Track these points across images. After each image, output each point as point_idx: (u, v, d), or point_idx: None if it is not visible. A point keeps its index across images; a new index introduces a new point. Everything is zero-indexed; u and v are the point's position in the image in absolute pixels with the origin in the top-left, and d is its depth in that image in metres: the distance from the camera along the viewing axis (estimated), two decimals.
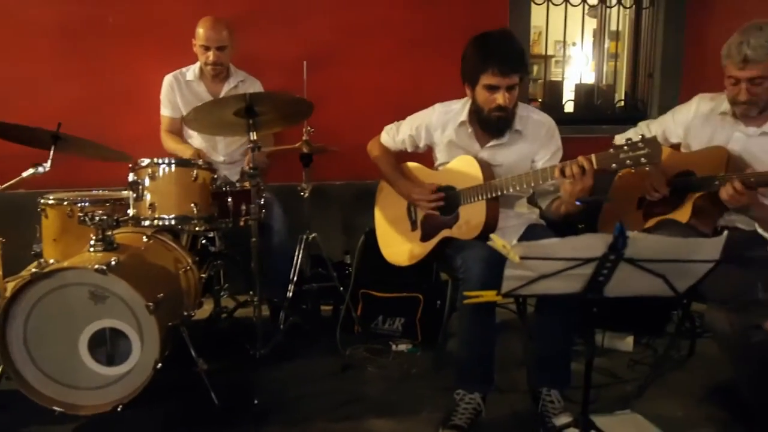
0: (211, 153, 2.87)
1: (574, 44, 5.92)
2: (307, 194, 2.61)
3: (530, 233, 2.14)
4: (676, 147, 2.27)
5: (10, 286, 2.34)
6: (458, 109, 2.18)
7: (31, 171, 2.19)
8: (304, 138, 2.53)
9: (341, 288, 2.67)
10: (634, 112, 3.87)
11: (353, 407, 2.14)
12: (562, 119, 3.82)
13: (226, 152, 2.89)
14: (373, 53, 3.36)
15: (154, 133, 2.89)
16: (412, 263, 2.26)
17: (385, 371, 2.42)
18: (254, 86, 2.91)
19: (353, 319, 2.70)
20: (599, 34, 4.30)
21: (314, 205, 2.80)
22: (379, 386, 2.31)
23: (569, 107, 4.03)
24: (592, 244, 1.37)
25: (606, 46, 4.30)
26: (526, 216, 2.24)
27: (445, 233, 2.14)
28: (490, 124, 2.07)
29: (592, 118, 3.84)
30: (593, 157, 1.76)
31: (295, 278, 2.56)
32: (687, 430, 1.99)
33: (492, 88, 1.98)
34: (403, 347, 2.60)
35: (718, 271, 1.77)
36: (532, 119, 2.14)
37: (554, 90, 4.07)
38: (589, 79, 4.54)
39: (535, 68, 5.52)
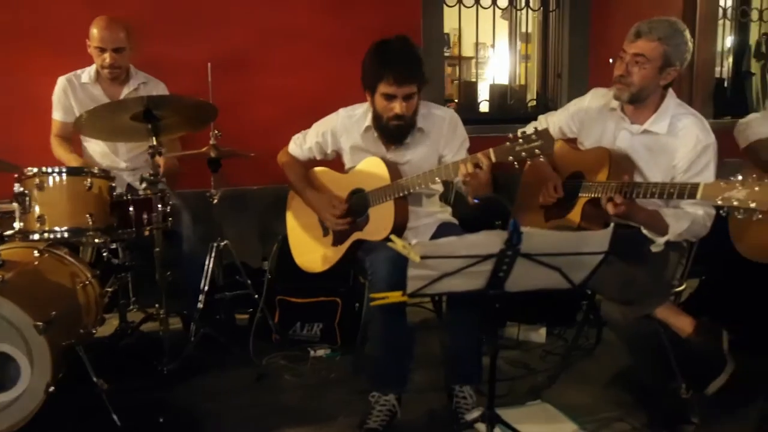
0: (113, 159, 2.71)
1: (492, 46, 6.12)
2: (216, 200, 2.51)
3: (442, 232, 2.15)
4: (573, 141, 2.30)
5: None
6: (362, 113, 2.17)
7: None
8: (211, 142, 2.44)
9: (256, 296, 2.60)
10: (546, 111, 4.00)
11: (268, 418, 2.08)
12: (477, 119, 3.95)
13: (127, 157, 2.73)
14: (286, 57, 3.29)
15: (46, 140, 2.70)
16: (325, 269, 2.23)
17: (302, 378, 2.37)
18: (158, 89, 2.76)
19: (270, 328, 2.63)
20: (511, 37, 4.44)
21: (230, 212, 2.71)
22: (296, 394, 2.26)
23: (484, 107, 4.12)
24: (489, 241, 1.40)
25: (518, 47, 4.44)
26: (437, 215, 2.26)
27: (356, 236, 2.13)
28: (389, 132, 2.08)
29: (506, 117, 3.95)
30: (491, 151, 1.78)
31: (206, 287, 2.46)
32: (594, 416, 2.06)
33: (389, 97, 1.98)
34: (321, 352, 2.56)
35: (609, 267, 1.86)
36: (434, 115, 2.16)
37: (469, 90, 4.16)
38: (505, 78, 4.68)
39: (456, 69, 5.64)
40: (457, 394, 2.02)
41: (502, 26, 4.45)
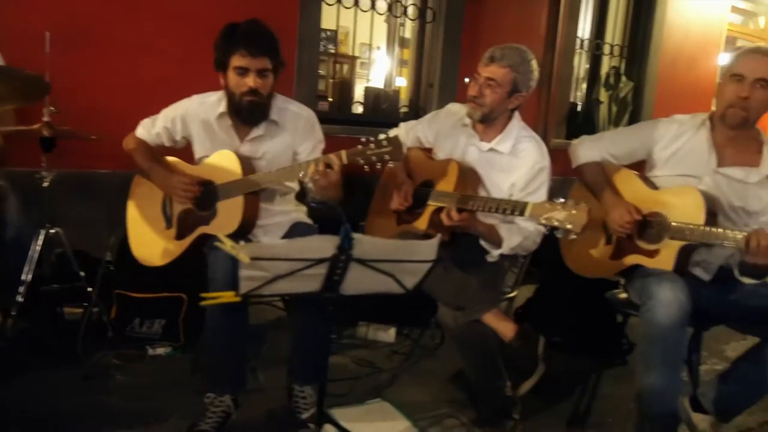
0: None
1: (378, 48, 6.20)
2: (47, 183, 2.28)
3: (294, 231, 2.14)
4: (429, 150, 2.39)
5: None
6: (216, 100, 2.09)
7: None
8: (44, 119, 2.21)
9: (90, 289, 2.40)
10: (416, 118, 4.14)
11: (89, 423, 1.93)
12: (349, 119, 3.99)
13: None
14: (140, 35, 3.03)
15: None
16: (165, 263, 2.12)
17: (135, 378, 2.23)
18: None
19: (104, 324, 2.44)
20: (389, 41, 4.54)
21: (70, 197, 2.48)
22: (125, 395, 2.12)
23: (359, 109, 4.17)
24: (322, 246, 1.40)
25: (395, 52, 4.55)
26: (291, 213, 2.23)
27: (201, 230, 2.04)
28: (243, 110, 2.01)
29: (378, 121, 4.01)
30: (343, 153, 1.80)
31: (29, 278, 2.22)
32: (428, 412, 2.16)
33: (242, 71, 1.93)
34: (161, 351, 2.43)
35: (446, 273, 1.97)
36: (291, 111, 2.13)
37: (345, 90, 4.17)
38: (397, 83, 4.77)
39: (345, 68, 5.66)
40: (297, 394, 2.02)
41: (384, 29, 4.54)
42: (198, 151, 2.16)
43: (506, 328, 1.90)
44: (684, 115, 2.08)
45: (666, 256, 1.88)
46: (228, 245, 1.37)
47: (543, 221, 1.80)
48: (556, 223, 1.77)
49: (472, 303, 1.91)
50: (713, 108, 2.03)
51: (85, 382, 2.17)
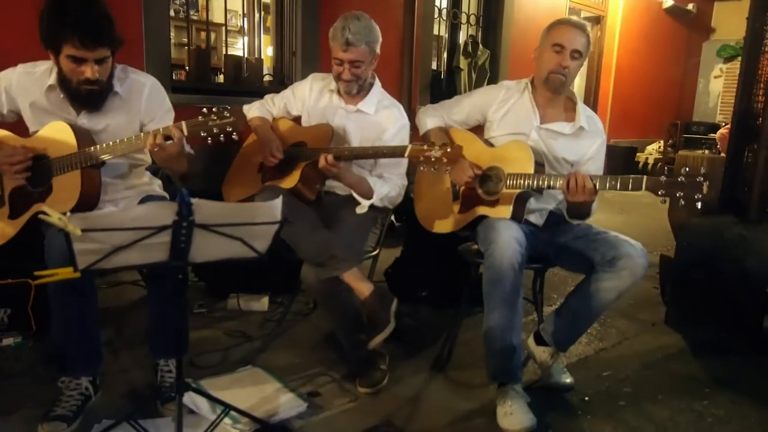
0: None
1: (244, 15, 5.99)
2: None
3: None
4: (297, 120, 2.49)
5: None
6: (45, 71, 1.95)
7: None
8: None
9: None
10: (281, 88, 4.08)
11: None
12: (209, 89, 3.86)
13: None
14: None
15: None
16: (0, 244, 1.96)
17: None
18: None
19: None
20: (251, 10, 4.42)
21: None
22: None
23: (221, 78, 4.05)
24: (160, 213, 1.38)
25: (257, 19, 4.44)
26: (144, 187, 2.16)
27: (37, 208, 1.91)
28: (80, 97, 1.91)
29: (240, 90, 3.93)
30: (183, 123, 1.77)
31: None
32: (300, 373, 2.23)
33: (78, 60, 1.80)
34: (10, 341, 2.27)
35: (310, 232, 2.06)
36: (133, 80, 2.04)
37: (202, 58, 4.00)
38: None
39: (213, 37, 5.40)
40: (162, 368, 2.01)
41: None
42: (31, 125, 2.01)
43: (363, 287, 2.03)
44: (511, 81, 2.35)
45: (504, 205, 2.09)
46: (54, 217, 1.31)
47: (422, 158, 1.98)
48: (433, 159, 1.96)
49: (334, 261, 2.00)
50: None
51: None
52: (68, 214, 1.28)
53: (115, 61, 1.95)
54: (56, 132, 1.92)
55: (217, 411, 1.79)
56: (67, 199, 1.86)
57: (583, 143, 2.20)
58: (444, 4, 5.34)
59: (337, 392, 2.12)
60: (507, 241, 1.92)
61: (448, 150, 1.95)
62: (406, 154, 2.06)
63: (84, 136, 1.92)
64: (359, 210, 2.26)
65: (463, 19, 5.49)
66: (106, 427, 1.70)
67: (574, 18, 2.36)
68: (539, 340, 2.20)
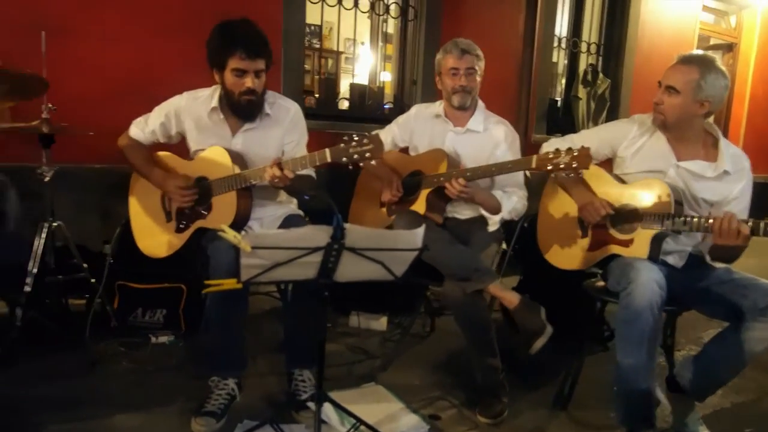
0: None
1: (363, 43, 6.30)
2: (48, 178, 2.37)
3: (287, 223, 2.26)
4: (404, 150, 2.61)
5: None
6: (207, 95, 2.21)
7: None
8: (43, 116, 2.30)
9: (93, 280, 2.49)
10: (400, 115, 4.26)
11: (100, 405, 2.04)
12: (335, 115, 4.10)
13: None
14: (130, 31, 3.14)
15: None
16: (168, 254, 2.23)
17: (140, 365, 2.34)
18: None
19: (107, 313, 2.55)
20: (374, 38, 4.63)
21: (66, 191, 2.56)
22: (131, 381, 2.23)
23: (345, 105, 4.28)
24: (316, 235, 1.52)
25: (379, 47, 4.65)
26: (284, 206, 2.36)
27: (199, 224, 2.16)
28: (241, 108, 2.14)
29: (363, 117, 4.13)
30: (327, 151, 1.93)
31: (35, 270, 2.32)
32: (420, 395, 2.29)
33: (240, 72, 2.05)
34: (164, 339, 2.54)
35: (450, 248, 2.15)
36: (279, 104, 2.27)
37: (330, 86, 4.27)
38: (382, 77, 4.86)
39: (330, 63, 5.75)
40: (296, 378, 2.15)
41: (368, 24, 4.63)
42: (192, 146, 2.27)
43: (511, 296, 2.10)
44: (643, 115, 2.25)
45: (640, 244, 2.03)
46: (230, 235, 1.49)
47: (550, 167, 2.00)
48: (563, 166, 1.97)
49: (479, 274, 2.08)
50: None
51: (93, 367, 2.28)
52: (243, 233, 1.45)
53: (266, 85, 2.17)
54: (215, 155, 2.17)
55: (347, 424, 1.90)
56: (225, 217, 2.09)
57: (728, 185, 2.08)
58: (564, 33, 5.29)
59: (458, 418, 2.15)
60: (647, 281, 1.85)
61: (576, 153, 1.94)
62: (534, 165, 2.06)
63: (238, 160, 2.15)
64: (491, 227, 2.35)
65: (583, 47, 5.39)
66: (250, 427, 1.86)
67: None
68: (673, 386, 2.10)
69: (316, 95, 4.29)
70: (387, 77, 4.98)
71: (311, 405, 1.92)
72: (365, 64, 6.19)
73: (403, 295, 2.96)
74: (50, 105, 2.30)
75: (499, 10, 4.58)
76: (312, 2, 3.87)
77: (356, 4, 4.11)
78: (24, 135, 2.41)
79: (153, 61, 3.17)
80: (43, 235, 2.34)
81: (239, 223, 2.10)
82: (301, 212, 2.39)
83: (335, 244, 1.54)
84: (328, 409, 1.98)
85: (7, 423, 1.89)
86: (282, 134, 2.25)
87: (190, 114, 2.22)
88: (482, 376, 2.20)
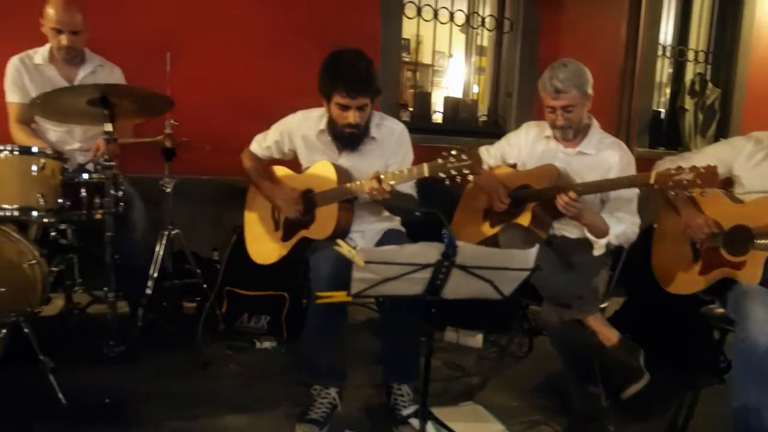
0: (67, 140, 2.70)
1: (451, 56, 6.31)
2: (170, 189, 2.55)
3: (387, 238, 2.29)
4: (513, 167, 2.54)
5: None
6: (317, 117, 2.29)
7: None
8: (166, 131, 2.48)
9: (205, 285, 2.65)
10: (495, 128, 4.22)
11: (211, 405, 2.15)
12: (430, 129, 4.12)
13: (82, 138, 2.71)
14: (242, 52, 3.34)
15: None
16: (273, 261, 2.33)
17: (247, 368, 2.45)
18: (113, 73, 2.75)
19: (218, 317, 2.69)
20: (468, 51, 4.62)
21: (181, 201, 2.74)
22: (239, 383, 2.34)
23: (438, 118, 4.29)
24: (427, 252, 1.53)
25: (473, 60, 4.63)
26: (385, 221, 2.39)
27: (302, 233, 2.24)
28: (344, 138, 2.21)
29: (457, 130, 4.13)
30: (425, 166, 1.94)
31: (156, 274, 2.50)
32: (520, 417, 2.23)
33: (343, 107, 2.11)
34: (267, 344, 2.64)
35: (553, 270, 2.08)
36: (385, 126, 2.30)
37: (424, 100, 4.30)
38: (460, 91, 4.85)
39: (418, 75, 5.80)
40: (395, 392, 2.16)
41: (460, 38, 4.63)
42: (303, 162, 2.36)
43: (610, 333, 1.98)
44: (762, 133, 2.13)
45: (752, 267, 1.89)
46: (345, 249, 1.52)
47: (672, 183, 1.89)
48: (686, 182, 1.86)
49: (580, 303, 1.99)
50: None
51: (205, 368, 2.41)
52: (357, 247, 1.48)
53: (374, 108, 2.22)
54: (321, 169, 2.25)
55: None
56: (326, 228, 2.16)
57: None
58: (669, 41, 5.02)
59: None
60: (763, 316, 1.74)
61: (701, 170, 1.83)
62: (652, 181, 1.95)
63: (343, 174, 2.21)
64: (597, 251, 2.22)
65: (690, 55, 5.09)
66: None
67: None
68: None
69: (410, 109, 4.34)
70: (475, 89, 4.95)
71: (414, 422, 1.92)
72: (454, 77, 6.19)
73: (500, 312, 2.90)
74: (172, 121, 2.48)
75: (599, 19, 4.43)
76: (408, 17, 3.93)
77: (452, 18, 4.13)
78: (148, 148, 2.61)
79: (263, 79, 3.36)
80: (163, 242, 2.51)
81: (339, 234, 2.15)
82: (401, 228, 2.41)
83: (446, 261, 1.53)
84: (428, 426, 1.97)
85: (129, 415, 2.04)
86: (386, 155, 2.29)
87: (301, 133, 2.31)
88: (581, 402, 2.11)
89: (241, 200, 2.53)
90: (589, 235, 2.22)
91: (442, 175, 1.90)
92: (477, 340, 2.89)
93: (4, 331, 1.86)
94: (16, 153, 2.07)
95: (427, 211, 1.74)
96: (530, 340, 2.85)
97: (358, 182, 2.11)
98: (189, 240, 2.72)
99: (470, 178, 2.03)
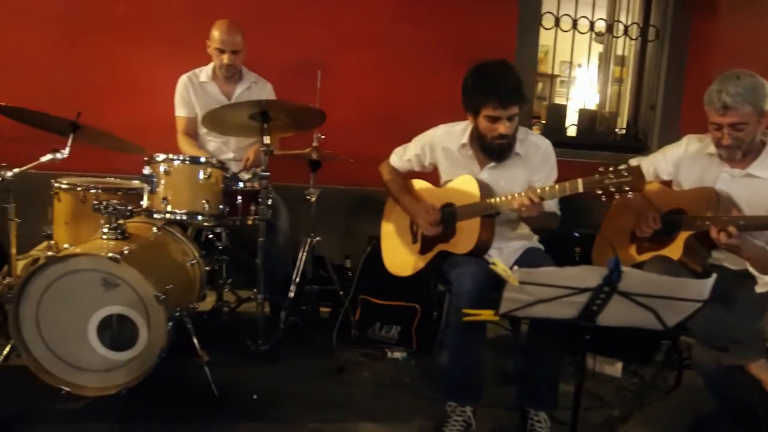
0: (223, 150, 2.94)
1: (579, 65, 6.04)
2: (314, 199, 2.68)
3: (527, 256, 2.22)
4: (666, 184, 2.34)
5: (20, 264, 2.41)
6: (460, 131, 2.27)
7: (49, 156, 2.25)
8: (314, 144, 2.61)
9: (341, 292, 2.74)
10: (635, 142, 3.98)
11: (346, 410, 2.21)
12: (564, 142, 3.96)
13: (236, 148, 2.96)
14: (384, 68, 3.45)
15: (159, 124, 2.96)
16: (410, 274, 2.34)
17: (378, 377, 2.49)
18: (266, 89, 2.98)
19: (350, 323, 2.77)
20: (605, 61, 4.40)
21: (321, 210, 2.87)
22: (372, 391, 2.38)
23: (572, 131, 4.12)
24: (588, 276, 1.45)
25: (611, 70, 4.40)
26: (525, 237, 2.32)
27: (441, 247, 2.23)
28: (492, 151, 2.17)
29: (594, 143, 3.94)
30: (580, 181, 1.85)
31: (298, 279, 2.63)
32: None
33: (493, 119, 2.07)
34: (398, 355, 2.67)
35: (705, 309, 1.89)
36: (530, 142, 2.24)
37: (558, 113, 4.15)
38: (593, 100, 4.62)
39: (540, 86, 5.64)
40: (532, 417, 2.08)
41: (595, 47, 4.42)
42: (443, 176, 2.36)
43: None
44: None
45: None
46: (500, 268, 1.49)
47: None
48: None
49: (739, 348, 1.80)
50: None
51: (340, 373, 2.49)
52: (515, 267, 1.44)
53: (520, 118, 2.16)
54: (463, 183, 2.23)
55: None
56: (467, 243, 2.13)
57: None
58: None
59: None
60: None
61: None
62: None
63: (485, 189, 2.18)
64: (760, 288, 1.99)
65: None
66: None
67: None
68: None
69: (543, 121, 4.21)
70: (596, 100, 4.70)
71: None
72: (583, 88, 5.93)
73: (644, 340, 2.71)
74: (320, 135, 2.60)
75: (756, 24, 4.01)
76: (545, 28, 3.82)
77: (592, 28, 3.96)
78: (295, 159, 2.76)
79: (402, 94, 3.44)
80: (306, 249, 2.64)
81: (480, 250, 2.12)
82: (541, 246, 2.34)
83: (606, 286, 1.45)
84: None
85: (273, 413, 2.14)
86: (530, 172, 2.23)
87: (442, 147, 2.31)
88: None
89: (371, 210, 2.60)
90: (751, 270, 1.99)
91: (598, 191, 1.81)
92: (616, 368, 2.71)
93: (170, 324, 2.03)
94: (187, 162, 2.28)
95: (586, 233, 1.66)
96: (679, 373, 2.62)
97: (505, 197, 2.07)
98: (324, 246, 2.83)
99: (630, 195, 1.91)
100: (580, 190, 1.87)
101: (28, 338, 2.00)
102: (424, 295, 2.74)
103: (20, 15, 3.15)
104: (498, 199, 2.09)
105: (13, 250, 2.27)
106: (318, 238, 2.71)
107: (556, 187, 1.94)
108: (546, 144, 2.27)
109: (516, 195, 2.00)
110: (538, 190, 1.97)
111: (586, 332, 1.62)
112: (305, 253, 2.67)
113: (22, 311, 1.99)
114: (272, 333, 2.48)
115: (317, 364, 2.54)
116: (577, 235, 1.92)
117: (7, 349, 2.13)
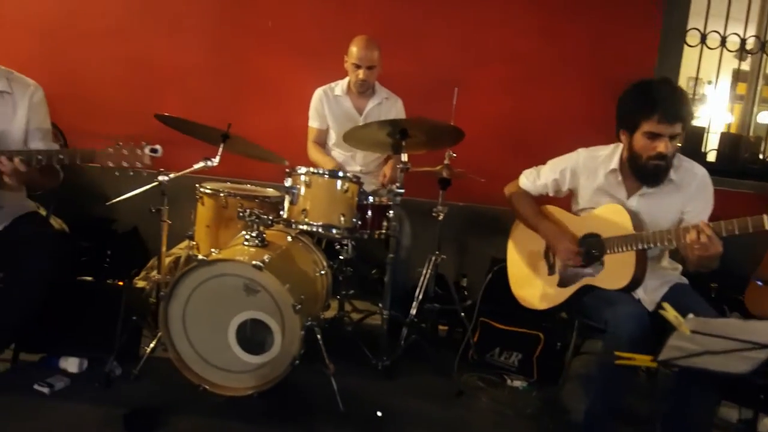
0: (350, 163, 3.01)
1: (709, 83, 5.58)
2: (441, 217, 2.66)
3: (675, 294, 2.06)
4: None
5: (166, 261, 2.59)
6: (606, 155, 2.16)
7: (201, 164, 2.41)
8: (445, 162, 2.59)
9: (462, 314, 2.69)
10: None
11: None
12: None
13: (363, 162, 3.01)
14: (520, 86, 3.39)
15: (297, 133, 3.08)
16: (546, 308, 2.23)
17: (498, 405, 2.41)
18: (396, 105, 3.02)
19: (469, 345, 2.72)
20: (751, 81, 4.02)
21: (444, 227, 2.86)
22: (492, 419, 2.31)
23: (711, 156, 3.81)
24: None
25: (758, 90, 4.01)
26: (669, 272, 2.17)
27: (586, 281, 2.11)
28: (647, 173, 2.03)
29: (737, 170, 3.61)
30: (765, 217, 1.68)
31: (421, 296, 2.62)
32: None
33: (653, 136, 1.94)
34: (518, 383, 2.58)
35: None
36: (685, 168, 2.08)
37: (696, 137, 3.84)
38: (723, 119, 4.23)
39: None
40: None
41: (726, 63, 4.03)
42: (582, 203, 2.24)
43: None
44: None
45: None
46: (671, 314, 1.39)
47: None
48: None
49: None
50: None
51: (459, 397, 2.44)
52: (690, 316, 1.33)
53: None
54: (611, 213, 2.09)
55: None
56: (620, 278, 1.99)
57: None
58: None
59: None
60: None
61: None
62: None
63: (636, 220, 2.04)
64: None
65: None
66: None
67: None
68: None
69: (679, 144, 3.91)
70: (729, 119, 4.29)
71: None
72: (714, 107, 5.48)
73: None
74: (452, 152, 2.59)
75: None
76: (690, 45, 3.57)
77: (743, 47, 3.64)
78: (424, 176, 2.75)
79: (537, 112, 3.35)
80: (430, 266, 2.62)
81: (633, 286, 1.99)
82: (685, 280, 2.16)
83: None
84: None
85: (388, 429, 2.13)
86: (683, 201, 2.07)
87: (586, 172, 2.20)
88: None
89: (492, 229, 2.56)
90: None
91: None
92: (765, 424, 2.44)
93: (302, 332, 2.08)
94: (326, 176, 2.35)
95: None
96: None
97: (664, 231, 1.92)
98: (444, 264, 2.79)
99: None
100: (766, 227, 1.69)
101: (174, 335, 2.13)
102: (548, 324, 2.62)
103: (178, 32, 3.41)
104: (657, 233, 1.93)
105: (163, 249, 2.44)
106: (443, 257, 2.68)
107: (735, 222, 1.75)
108: (703, 172, 2.11)
109: (682, 229, 1.85)
110: (711, 225, 1.80)
111: (762, 392, 1.47)
112: (429, 271, 2.65)
113: (171, 309, 2.12)
114: (394, 349, 2.48)
115: (436, 384, 2.50)
116: (760, 284, 1.74)
117: (154, 342, 2.28)
